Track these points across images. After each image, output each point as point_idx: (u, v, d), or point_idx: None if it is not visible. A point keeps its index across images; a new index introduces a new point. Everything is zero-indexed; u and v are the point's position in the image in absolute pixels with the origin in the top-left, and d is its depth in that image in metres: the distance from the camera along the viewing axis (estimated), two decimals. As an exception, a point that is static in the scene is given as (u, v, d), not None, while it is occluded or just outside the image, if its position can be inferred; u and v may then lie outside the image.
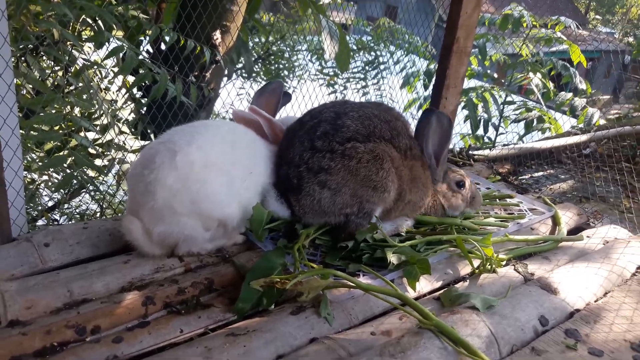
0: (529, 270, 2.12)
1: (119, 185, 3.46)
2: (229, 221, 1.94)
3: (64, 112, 3.01)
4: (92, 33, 3.27)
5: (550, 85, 5.42)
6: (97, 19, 3.15)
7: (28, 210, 3.22)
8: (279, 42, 6.31)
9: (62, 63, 3.15)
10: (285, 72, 6.17)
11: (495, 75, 6.25)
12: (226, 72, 4.87)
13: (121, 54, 3.26)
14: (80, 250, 1.92)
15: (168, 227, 1.82)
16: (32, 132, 2.94)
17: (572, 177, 3.78)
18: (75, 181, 3.10)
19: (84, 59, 3.18)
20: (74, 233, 1.97)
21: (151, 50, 4.20)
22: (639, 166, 3.88)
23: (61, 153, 2.91)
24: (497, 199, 2.77)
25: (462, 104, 5.29)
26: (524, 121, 5.18)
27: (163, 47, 3.99)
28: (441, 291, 1.91)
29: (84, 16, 3.14)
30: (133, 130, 3.55)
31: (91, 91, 3.19)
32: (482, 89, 5.49)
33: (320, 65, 6.30)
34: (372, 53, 6.38)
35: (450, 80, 3.28)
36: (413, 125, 2.32)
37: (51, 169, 3.34)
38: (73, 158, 2.84)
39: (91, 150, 3.17)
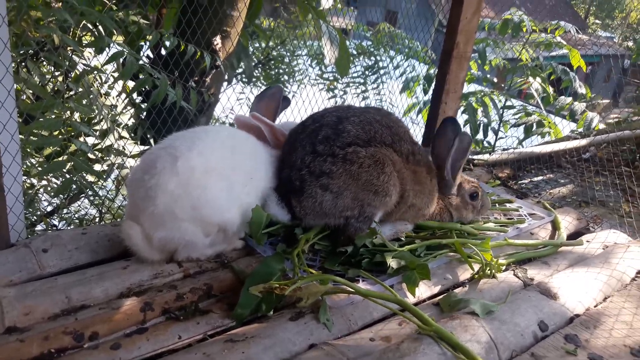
0: (529, 275, 2.12)
1: (118, 190, 3.46)
2: (229, 226, 1.94)
3: (64, 117, 3.01)
4: (93, 38, 3.28)
5: (550, 89, 5.42)
6: (97, 24, 3.16)
7: (27, 215, 3.22)
8: (279, 47, 6.33)
9: (62, 68, 3.16)
10: (285, 77, 6.18)
11: (495, 80, 6.26)
12: (226, 77, 4.88)
13: (121, 59, 3.27)
14: (79, 256, 1.91)
15: (168, 232, 1.81)
16: (31, 137, 2.94)
17: (572, 182, 3.78)
18: (74, 186, 3.10)
19: (84, 64, 3.19)
20: (72, 238, 1.97)
21: (151, 56, 4.21)
22: (639, 170, 3.88)
23: (60, 158, 2.91)
24: (497, 204, 2.77)
25: (462, 108, 5.29)
26: (524, 125, 5.19)
27: (163, 52, 4.00)
28: (440, 296, 1.91)
29: (84, 22, 3.14)
30: (133, 135, 3.55)
31: (91, 96, 3.19)
32: (482, 94, 5.49)
33: (320, 70, 6.31)
34: (372, 58, 6.39)
35: (450, 85, 3.29)
36: (412, 129, 2.33)
37: (50, 174, 3.34)
38: (72, 163, 2.84)
39: (90, 156, 3.17)
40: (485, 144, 5.44)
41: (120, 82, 3.56)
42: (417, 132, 4.60)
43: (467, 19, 3.15)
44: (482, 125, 5.38)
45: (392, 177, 2.04)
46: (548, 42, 5.57)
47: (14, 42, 2.95)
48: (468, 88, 5.73)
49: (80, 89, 3.23)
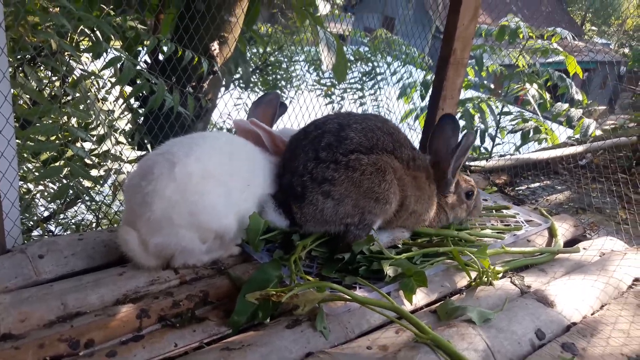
0: (526, 282, 2.12)
1: (115, 195, 3.45)
2: (226, 233, 1.93)
3: (61, 123, 3.00)
4: (90, 43, 3.28)
5: (547, 96, 5.45)
6: (95, 29, 3.16)
7: (23, 220, 3.20)
8: (276, 53, 6.34)
9: (60, 73, 3.15)
10: (283, 83, 6.19)
11: (492, 86, 6.27)
12: (224, 82, 4.88)
13: (119, 65, 3.26)
14: (75, 262, 1.91)
15: (165, 238, 1.81)
16: (28, 142, 2.93)
17: (569, 188, 3.79)
18: (71, 191, 3.09)
19: (81, 69, 3.19)
20: (69, 244, 1.96)
21: (149, 61, 4.21)
22: (635, 177, 3.89)
23: (57, 163, 2.90)
24: (494, 210, 2.77)
25: (459, 114, 5.31)
26: (521, 132, 5.21)
27: (161, 57, 4.00)
28: (438, 304, 1.91)
29: (82, 27, 3.14)
30: (130, 140, 3.54)
31: (88, 101, 3.19)
32: (479, 100, 5.51)
33: (318, 75, 6.32)
34: (370, 64, 6.41)
35: (447, 91, 3.29)
36: (409, 135, 2.34)
37: (47, 180, 3.33)
38: (69, 168, 2.83)
39: (87, 161, 3.16)
40: (483, 150, 5.46)
41: (118, 87, 3.56)
42: (415, 137, 4.60)
43: (464, 25, 3.16)
44: (479, 131, 5.40)
45: (393, 185, 2.04)
46: (545, 49, 5.60)
47: (11, 46, 2.94)
48: (465, 94, 5.75)
49: (78, 94, 3.22)
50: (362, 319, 1.77)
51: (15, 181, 1.98)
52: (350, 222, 2.02)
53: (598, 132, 5.07)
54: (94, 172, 3.14)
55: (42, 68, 3.63)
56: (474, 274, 2.09)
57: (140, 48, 3.90)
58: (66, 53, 3.04)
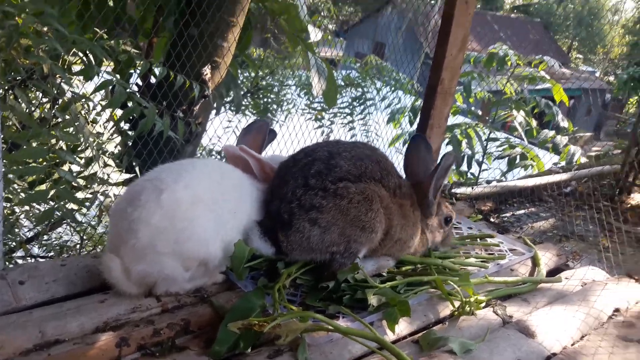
0: (508, 312, 2.13)
1: (100, 218, 3.44)
2: (211, 260, 1.93)
3: (49, 145, 3.00)
4: (82, 66, 3.30)
5: (534, 122, 5.53)
6: (87, 52, 3.18)
7: (5, 241, 3.18)
8: (268, 77, 6.41)
9: (50, 96, 3.16)
10: (274, 107, 6.25)
11: (480, 112, 6.37)
12: (214, 106, 4.92)
13: (110, 87, 3.28)
14: (56, 288, 1.89)
15: (148, 266, 1.81)
16: (15, 166, 2.93)
17: (553, 216, 3.83)
18: (57, 213, 3.08)
19: (72, 92, 3.20)
20: (50, 270, 1.95)
21: (140, 84, 4.25)
22: (618, 206, 3.94)
23: (43, 186, 2.89)
24: (478, 239, 2.80)
25: (447, 140, 5.37)
26: (507, 158, 5.27)
27: (152, 81, 4.03)
28: (420, 334, 1.91)
29: (74, 49, 3.16)
30: (118, 162, 3.55)
31: (77, 124, 3.20)
32: (467, 126, 5.58)
33: (309, 100, 6.39)
34: (359, 89, 6.49)
35: (435, 120, 3.34)
36: (397, 159, 2.36)
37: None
38: (55, 191, 2.82)
39: (74, 183, 3.16)
40: (470, 176, 5.50)
41: (108, 110, 3.57)
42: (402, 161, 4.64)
43: (453, 55, 3.22)
44: (466, 157, 5.46)
45: (379, 214, 2.06)
46: (532, 76, 5.70)
47: (3, 69, 2.96)
48: (453, 120, 5.82)
49: (67, 117, 3.23)
50: (344, 349, 1.77)
51: (-1, 205, 1.98)
52: (336, 250, 2.03)
53: (584, 159, 5.14)
54: (80, 195, 3.13)
55: (32, 90, 3.64)
56: (457, 304, 2.10)
57: (132, 71, 3.92)
58: (57, 76, 3.05)
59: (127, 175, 3.32)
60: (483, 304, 2.15)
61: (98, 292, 1.91)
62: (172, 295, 1.92)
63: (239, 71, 5.54)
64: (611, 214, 3.65)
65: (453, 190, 3.83)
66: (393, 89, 6.31)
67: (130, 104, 3.20)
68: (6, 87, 3.17)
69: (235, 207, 2.05)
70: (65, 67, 3.19)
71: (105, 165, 3.24)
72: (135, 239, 1.77)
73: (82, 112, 3.55)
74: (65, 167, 2.97)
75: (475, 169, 5.44)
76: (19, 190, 3.34)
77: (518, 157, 5.16)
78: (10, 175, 3.10)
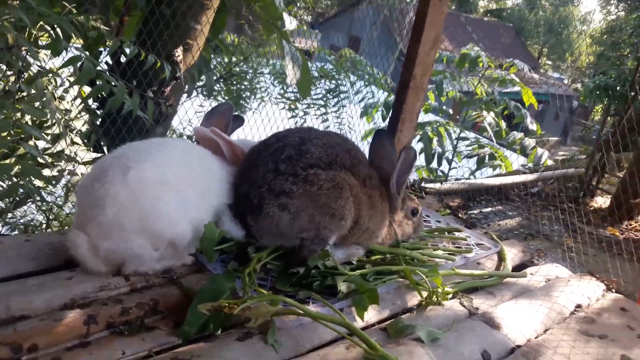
0: (474, 304, 2.17)
1: (67, 197, 3.34)
2: (179, 241, 1.90)
3: (14, 119, 2.90)
4: (50, 40, 3.19)
5: (503, 124, 5.65)
6: (55, 26, 3.07)
7: (-34, 218, 3.06)
8: (242, 64, 6.33)
9: (15, 69, 3.05)
10: (247, 94, 6.18)
11: (451, 112, 6.46)
12: (186, 89, 4.83)
13: (78, 64, 3.18)
14: (19, 264, 1.83)
15: (115, 243, 1.76)
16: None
17: (520, 215, 3.92)
18: (21, 190, 2.97)
19: (38, 66, 3.09)
20: (14, 245, 1.89)
21: (110, 62, 4.13)
22: (581, 207, 4.07)
23: (7, 161, 2.79)
24: (446, 232, 2.84)
25: (418, 137, 5.43)
26: (477, 157, 5.37)
27: (122, 60, 3.93)
28: (388, 322, 1.93)
29: (41, 22, 3.05)
30: (86, 141, 3.45)
31: (43, 99, 3.09)
32: (438, 124, 5.66)
33: (282, 89, 6.35)
34: (334, 81, 6.49)
35: (406, 114, 3.37)
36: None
37: (-5, 177, 3.19)
38: (20, 167, 2.73)
39: (40, 160, 3.05)
40: (439, 173, 5.59)
41: (76, 87, 3.47)
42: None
43: (425, 52, 3.25)
44: (436, 154, 5.53)
45: (349, 202, 2.06)
46: (502, 79, 5.81)
47: (-35, 38, 2.83)
48: (424, 118, 5.89)
49: (33, 91, 3.12)
50: (314, 334, 1.76)
51: (-40, 177, 1.90)
52: (306, 236, 2.02)
53: (550, 162, 5.28)
54: (46, 172, 3.03)
55: (-3, 61, 3.50)
56: (424, 294, 2.12)
57: (101, 49, 3.82)
58: (23, 48, 2.94)
59: (95, 154, 3.23)
60: (450, 295, 2.18)
61: (63, 269, 1.85)
62: (141, 275, 1.88)
63: (212, 56, 5.46)
64: (575, 215, 3.75)
65: (422, 185, 3.87)
66: (367, 83, 6.34)
67: (99, 81, 3.11)
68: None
69: (205, 188, 2.03)
70: (32, 40, 3.08)
71: (73, 143, 3.14)
72: (102, 215, 1.73)
73: (49, 87, 3.43)
74: (31, 143, 2.86)
75: (445, 166, 5.52)
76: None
77: (487, 156, 5.26)
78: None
